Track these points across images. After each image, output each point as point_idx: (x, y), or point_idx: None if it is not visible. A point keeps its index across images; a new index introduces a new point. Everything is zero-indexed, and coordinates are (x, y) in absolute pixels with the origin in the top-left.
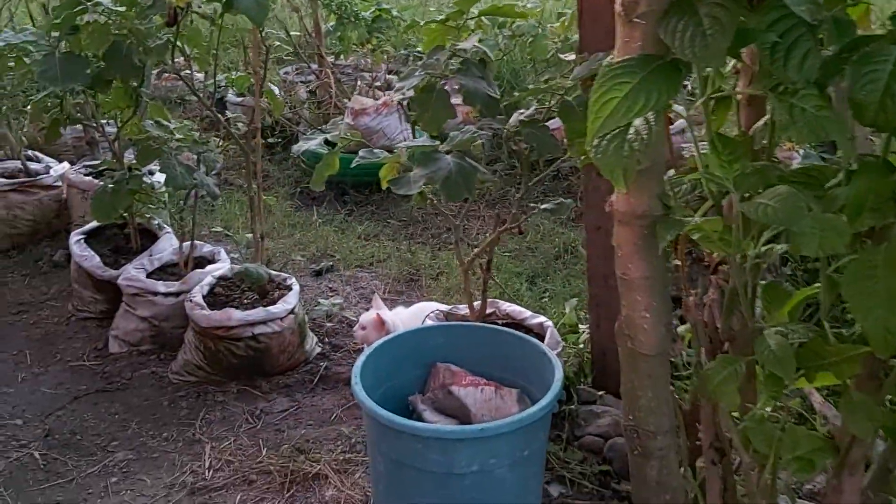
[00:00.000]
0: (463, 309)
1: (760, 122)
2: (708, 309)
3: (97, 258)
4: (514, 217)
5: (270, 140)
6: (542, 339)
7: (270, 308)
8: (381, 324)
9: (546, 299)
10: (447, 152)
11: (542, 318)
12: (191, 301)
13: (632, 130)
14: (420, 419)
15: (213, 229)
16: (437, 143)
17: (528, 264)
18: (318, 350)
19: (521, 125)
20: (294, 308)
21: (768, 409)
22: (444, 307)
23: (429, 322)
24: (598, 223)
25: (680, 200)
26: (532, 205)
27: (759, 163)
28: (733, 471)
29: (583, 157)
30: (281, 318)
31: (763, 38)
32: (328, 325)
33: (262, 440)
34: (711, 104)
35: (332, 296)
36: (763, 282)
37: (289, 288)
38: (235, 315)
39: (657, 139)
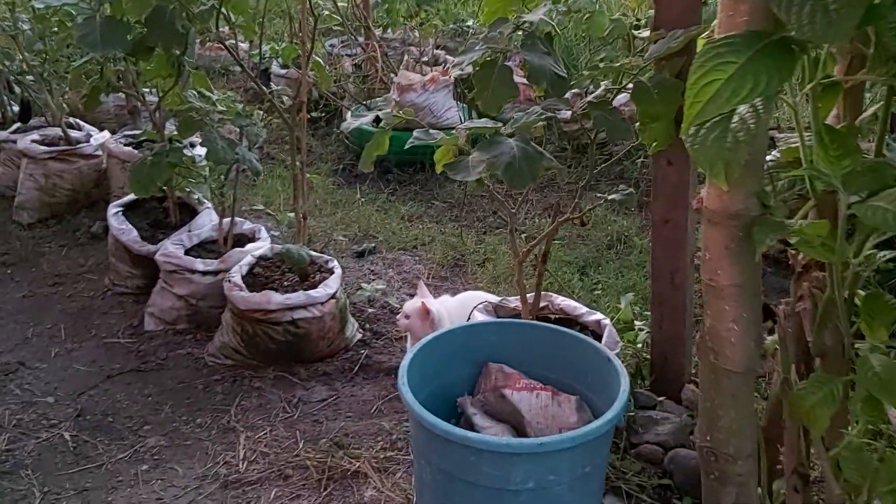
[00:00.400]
0: (514, 301)
1: (868, 113)
2: (797, 319)
3: (135, 232)
4: (577, 207)
5: (314, 114)
6: (598, 338)
7: (311, 292)
8: (425, 313)
9: (598, 291)
10: (510, 135)
11: (599, 316)
12: (229, 281)
13: (735, 119)
14: (469, 423)
15: (254, 207)
16: (499, 124)
17: (578, 253)
18: (359, 337)
19: (590, 107)
20: (335, 293)
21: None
22: (493, 298)
23: (477, 314)
24: (666, 216)
25: (777, 199)
26: (598, 195)
27: (872, 159)
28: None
29: (654, 144)
30: (322, 303)
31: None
32: (370, 310)
33: (300, 432)
34: (818, 91)
35: (374, 279)
36: (863, 292)
37: (330, 271)
38: (275, 298)
39: (763, 130)
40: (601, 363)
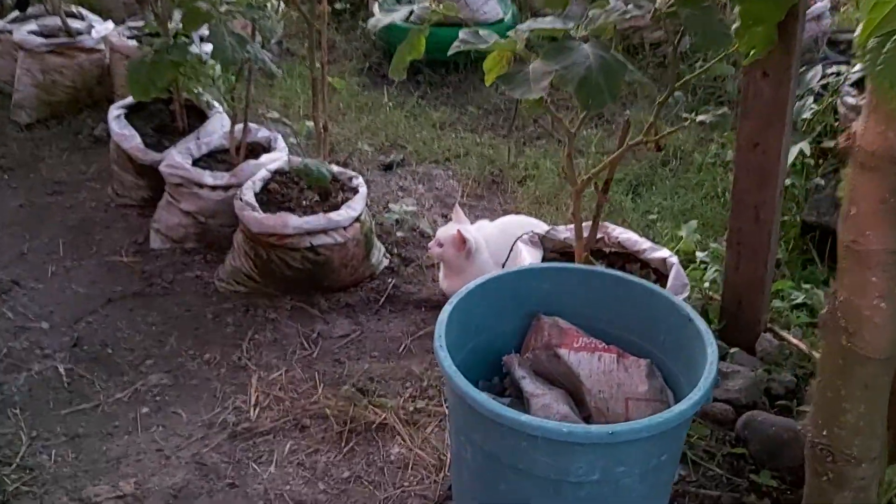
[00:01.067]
0: (563, 232)
1: None
2: None
3: (138, 138)
4: (653, 128)
5: (337, 6)
6: (664, 279)
7: (332, 215)
8: (461, 242)
9: (653, 216)
10: (583, 39)
11: (664, 252)
12: (241, 199)
13: None
14: (517, 387)
15: (270, 115)
16: (570, 24)
17: (629, 170)
18: (386, 263)
19: (680, 4)
20: (360, 215)
21: None
22: (538, 224)
23: (521, 247)
24: (756, 138)
25: None
26: (684, 115)
27: None
28: None
29: (752, 52)
30: (344, 228)
31: None
32: (398, 234)
33: (319, 374)
34: None
35: (402, 196)
36: None
37: (355, 190)
38: (292, 221)
39: None
40: (679, 322)
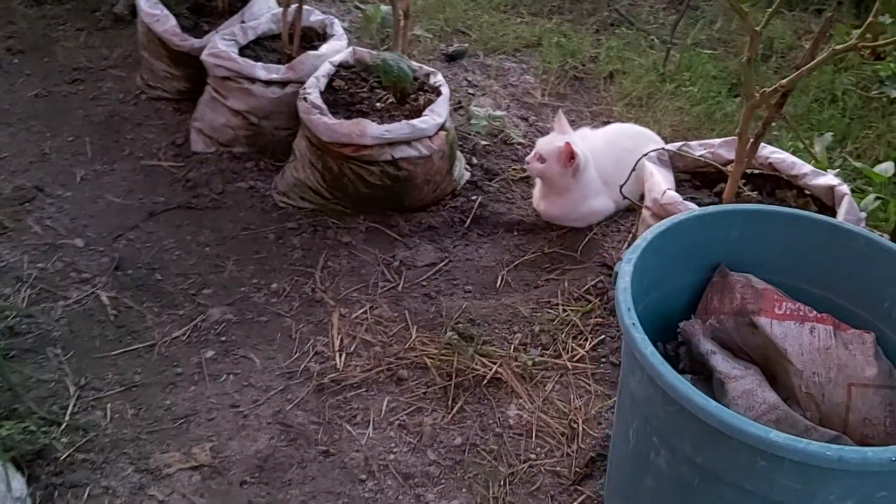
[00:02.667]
0: (698, 148)
1: None
2: None
3: (172, 20)
4: (871, 28)
5: None
6: (829, 210)
7: (417, 122)
8: (569, 157)
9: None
10: None
11: (830, 178)
12: (305, 100)
13: None
14: (699, 361)
15: None
16: None
17: (727, 64)
18: (467, 177)
19: None
20: (445, 122)
21: None
22: (651, 136)
23: (650, 166)
24: None
25: None
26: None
27: None
28: None
29: None
30: (429, 137)
31: None
32: (482, 142)
33: (409, 312)
34: None
35: (473, 94)
36: None
37: (436, 90)
38: (371, 130)
39: None
40: None
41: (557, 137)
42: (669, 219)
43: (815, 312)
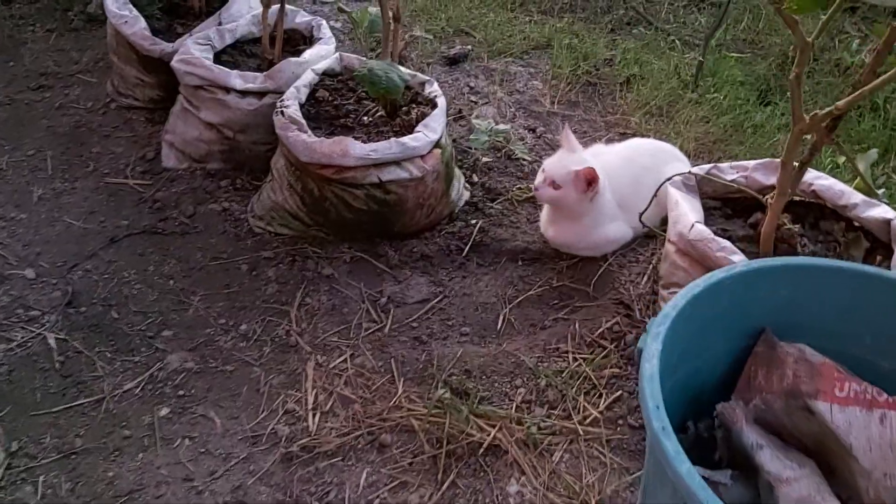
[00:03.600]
0: (729, 172)
1: None
2: None
3: (142, 22)
4: None
5: None
6: (887, 248)
7: (408, 140)
8: (588, 181)
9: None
10: None
11: (885, 210)
12: (283, 114)
13: None
14: (743, 454)
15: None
16: None
17: (755, 68)
18: (466, 197)
19: None
20: (441, 138)
21: None
22: (675, 152)
23: (675, 192)
24: None
25: None
26: None
27: None
28: None
29: None
30: (422, 156)
31: None
32: (483, 159)
33: (395, 361)
34: None
35: (475, 102)
36: None
37: (431, 102)
38: (355, 150)
39: None
40: None
41: (567, 157)
42: (705, 279)
43: (885, 396)
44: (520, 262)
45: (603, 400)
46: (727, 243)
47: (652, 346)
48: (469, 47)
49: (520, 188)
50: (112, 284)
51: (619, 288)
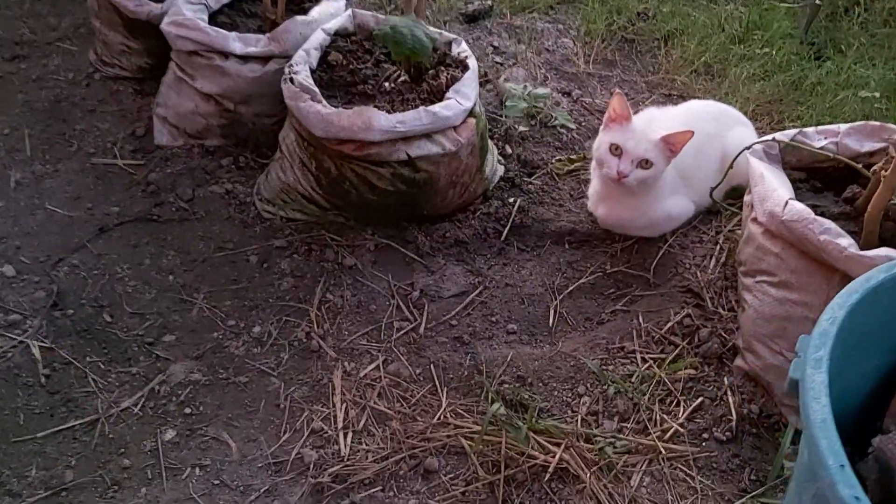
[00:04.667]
0: (816, 138)
1: None
2: None
3: None
4: None
5: None
6: None
7: (438, 108)
8: (671, 150)
9: (866, 92)
10: None
11: None
12: (293, 81)
13: None
14: None
15: None
16: None
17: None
18: (501, 172)
19: None
20: (475, 106)
21: None
22: (737, 115)
23: (755, 163)
24: None
25: None
26: None
27: None
28: None
29: None
30: (454, 128)
31: None
32: (519, 128)
33: (436, 367)
34: None
35: (500, 63)
36: None
37: (461, 64)
38: (379, 121)
39: None
40: None
41: (640, 128)
42: (861, 282)
43: None
44: (566, 246)
45: (682, 408)
46: (831, 224)
47: (815, 378)
48: (489, 2)
49: (559, 160)
50: (103, 282)
51: (684, 273)
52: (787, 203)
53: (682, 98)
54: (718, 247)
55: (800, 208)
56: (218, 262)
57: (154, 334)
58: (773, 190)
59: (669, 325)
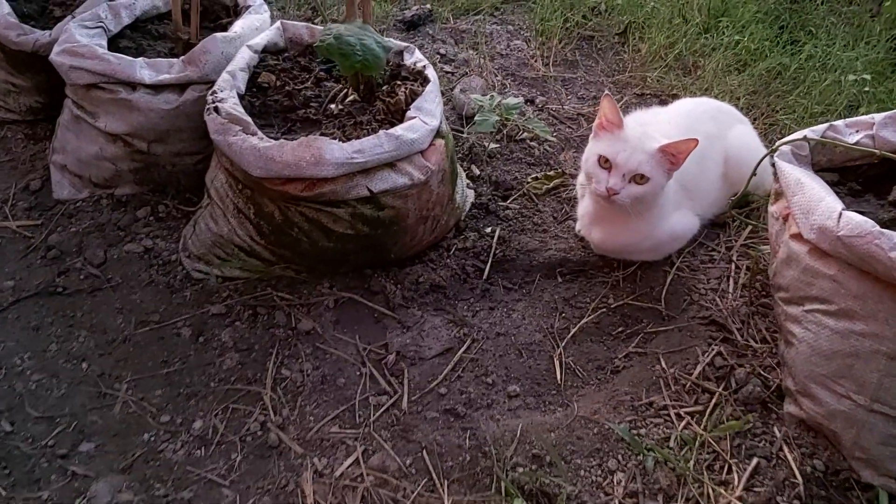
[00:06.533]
0: (848, 133)
1: None
2: None
3: (5, 7)
4: None
5: None
6: None
7: (402, 131)
8: (671, 161)
9: (853, 74)
10: None
11: None
12: (217, 110)
13: None
14: None
15: None
16: None
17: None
18: (472, 198)
19: None
20: (441, 124)
21: None
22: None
23: (788, 169)
24: None
25: None
26: None
27: None
28: None
29: None
30: (422, 152)
31: None
32: (489, 146)
33: (430, 453)
34: None
35: (452, 72)
36: None
37: (420, 77)
38: (332, 152)
39: None
40: None
41: (634, 137)
42: None
43: None
44: (559, 279)
45: (736, 476)
46: None
47: None
48: (429, 6)
49: (535, 178)
50: (1, 376)
51: (701, 301)
52: (840, 215)
53: (656, 97)
54: (734, 265)
55: (859, 220)
56: (142, 340)
57: (67, 444)
58: (818, 200)
59: (697, 367)
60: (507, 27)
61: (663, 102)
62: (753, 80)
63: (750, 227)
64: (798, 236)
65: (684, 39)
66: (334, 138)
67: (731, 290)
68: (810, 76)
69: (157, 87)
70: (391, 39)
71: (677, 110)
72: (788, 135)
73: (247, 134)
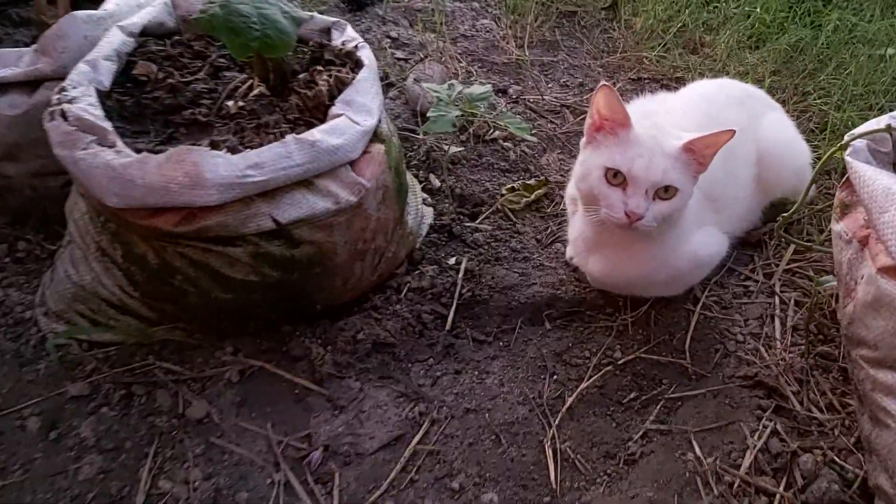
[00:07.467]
0: None
1: None
2: None
3: None
4: None
5: None
6: None
7: (321, 134)
8: (699, 162)
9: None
10: None
11: None
12: (63, 115)
13: None
14: None
15: None
16: None
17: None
18: (430, 218)
19: None
20: (380, 122)
21: None
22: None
23: (869, 172)
24: None
25: None
26: None
27: None
28: None
29: None
30: (353, 163)
31: None
32: (450, 149)
33: None
34: None
35: (406, 59)
36: None
37: (351, 59)
38: (213, 169)
39: None
40: None
41: (649, 137)
42: None
43: None
44: (548, 326)
45: None
46: None
47: None
48: None
49: (511, 189)
50: None
51: (739, 352)
52: None
53: (656, 82)
54: (777, 299)
55: None
56: None
57: None
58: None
59: (749, 457)
60: (472, 4)
61: (666, 87)
62: (774, 56)
63: (793, 247)
64: (891, 270)
65: (687, 11)
66: (227, 147)
67: (777, 335)
68: (840, 52)
69: (1, 87)
70: (313, 13)
71: (692, 96)
72: (826, 123)
73: (101, 146)
